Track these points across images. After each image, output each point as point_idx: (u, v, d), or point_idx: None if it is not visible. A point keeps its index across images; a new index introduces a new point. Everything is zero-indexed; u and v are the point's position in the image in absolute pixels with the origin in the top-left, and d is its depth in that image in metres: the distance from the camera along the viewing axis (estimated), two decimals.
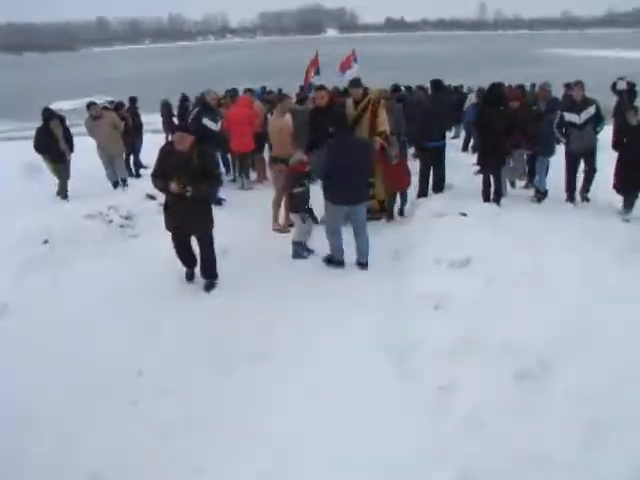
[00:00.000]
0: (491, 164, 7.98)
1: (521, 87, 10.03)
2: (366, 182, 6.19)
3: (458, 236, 5.92)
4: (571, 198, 8.13)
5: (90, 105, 10.07)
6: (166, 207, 5.59)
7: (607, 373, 3.46)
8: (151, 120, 15.34)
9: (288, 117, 7.73)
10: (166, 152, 5.45)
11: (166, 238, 5.71)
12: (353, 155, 5.71)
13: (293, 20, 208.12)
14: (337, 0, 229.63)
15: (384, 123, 7.37)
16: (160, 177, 5.38)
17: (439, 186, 8.54)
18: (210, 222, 5.62)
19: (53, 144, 9.39)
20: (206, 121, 8.53)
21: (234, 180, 10.42)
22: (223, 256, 6.08)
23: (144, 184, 8.42)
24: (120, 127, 10.32)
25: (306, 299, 5.21)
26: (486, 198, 7.95)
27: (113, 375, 4.07)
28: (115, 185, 10.17)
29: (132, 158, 11.81)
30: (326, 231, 6.07)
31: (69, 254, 6.28)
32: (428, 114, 8.64)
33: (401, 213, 7.97)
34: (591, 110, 7.72)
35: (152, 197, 8.28)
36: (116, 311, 5.05)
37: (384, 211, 7.83)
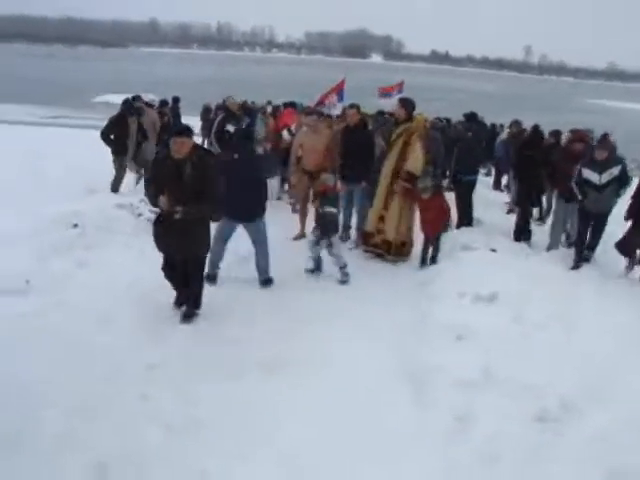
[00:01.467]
0: (525, 204, 7.93)
1: (557, 132, 9.84)
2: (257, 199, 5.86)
3: (485, 271, 5.83)
4: (579, 257, 6.91)
5: (134, 98, 10.01)
6: (156, 223, 4.86)
7: (630, 421, 3.37)
8: (189, 123, 15.54)
9: (325, 134, 7.66)
10: (160, 159, 4.80)
11: None
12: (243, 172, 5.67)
13: (338, 42, 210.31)
14: (384, 27, 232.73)
15: (415, 162, 6.66)
16: (152, 187, 4.70)
17: (467, 220, 8.47)
18: (204, 245, 4.91)
19: (121, 137, 8.91)
20: (229, 127, 8.62)
21: None
22: (241, 263, 6.09)
23: None
24: (157, 126, 10.27)
25: (324, 315, 5.15)
26: (517, 237, 7.85)
27: (125, 365, 4.05)
28: (138, 181, 9.91)
29: None
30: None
31: (96, 241, 6.35)
32: (464, 147, 8.70)
33: (433, 260, 6.78)
34: (615, 171, 6.61)
35: None
36: (134, 303, 5.05)
37: (399, 252, 6.89)
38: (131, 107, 9.25)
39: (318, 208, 6.25)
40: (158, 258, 5.74)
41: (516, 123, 11.04)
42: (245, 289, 5.77)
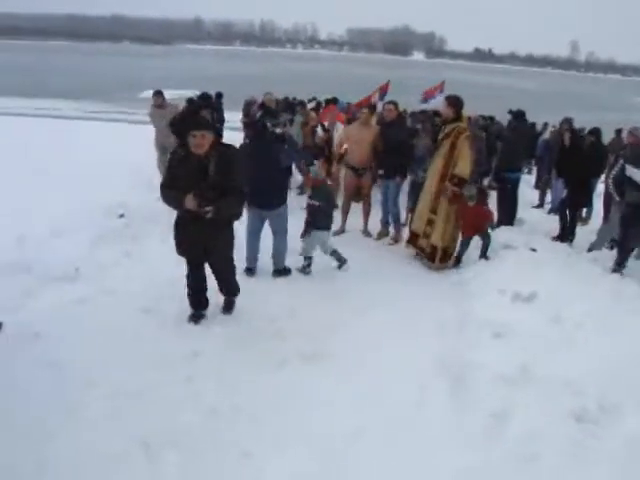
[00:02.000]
0: (570, 204, 7.82)
1: (597, 131, 9.50)
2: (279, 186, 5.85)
3: (525, 270, 5.80)
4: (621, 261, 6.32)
5: (155, 94, 9.81)
6: (177, 225, 4.55)
7: None
8: (230, 118, 15.73)
9: (375, 129, 7.64)
10: (178, 157, 4.38)
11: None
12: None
13: (380, 39, 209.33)
14: (427, 24, 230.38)
15: (465, 167, 6.30)
16: (172, 189, 4.30)
17: (510, 219, 8.39)
18: (229, 244, 4.66)
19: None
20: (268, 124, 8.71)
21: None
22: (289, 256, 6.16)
23: None
24: None
25: (365, 307, 5.21)
26: (559, 236, 7.74)
27: (170, 351, 4.18)
28: None
29: None
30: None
31: (142, 231, 6.57)
32: (507, 144, 8.67)
33: (483, 255, 6.62)
34: None
35: None
36: (177, 293, 5.08)
37: (442, 259, 6.65)
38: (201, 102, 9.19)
39: (308, 200, 6.19)
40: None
41: (567, 121, 10.53)
42: (285, 281, 5.88)
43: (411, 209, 7.49)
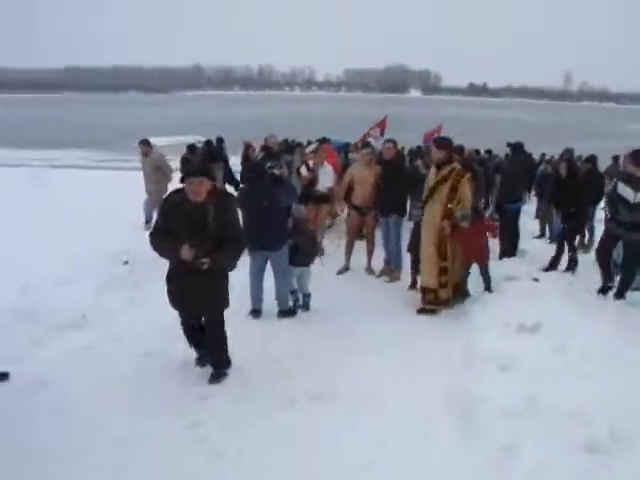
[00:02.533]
0: (566, 234, 7.84)
1: (593, 158, 9.70)
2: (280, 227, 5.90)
3: (529, 301, 5.81)
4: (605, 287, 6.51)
5: (140, 142, 10.07)
6: (169, 278, 4.33)
7: None
8: (231, 162, 15.94)
9: (377, 169, 7.64)
10: (173, 203, 4.11)
11: (237, 275, 5.98)
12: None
13: (377, 78, 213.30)
14: (422, 62, 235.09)
15: (466, 207, 6.06)
16: (165, 237, 4.09)
17: (511, 249, 8.43)
18: (224, 300, 4.42)
19: None
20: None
21: None
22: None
23: None
24: (164, 168, 9.99)
25: (371, 345, 5.21)
26: (551, 265, 7.72)
27: (175, 395, 4.20)
28: (146, 222, 9.70)
29: None
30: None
31: (144, 277, 6.61)
32: (506, 175, 8.81)
33: (487, 289, 6.50)
34: None
35: None
36: (180, 339, 5.08)
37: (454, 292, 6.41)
38: (213, 153, 9.49)
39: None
40: None
41: (568, 152, 10.47)
42: (290, 321, 5.90)
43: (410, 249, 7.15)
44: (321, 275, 6.76)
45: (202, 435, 3.73)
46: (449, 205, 6.05)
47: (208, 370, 4.62)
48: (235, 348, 4.69)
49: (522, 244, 8.88)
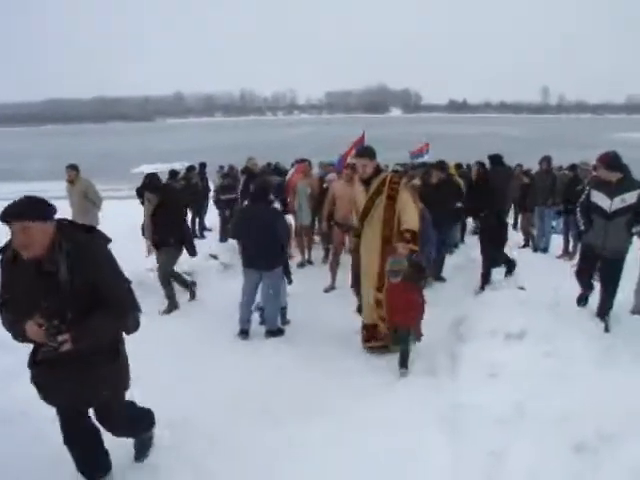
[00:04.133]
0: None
1: (574, 167, 9.93)
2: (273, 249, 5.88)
3: (514, 309, 5.87)
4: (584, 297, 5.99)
5: (68, 167, 9.09)
6: (32, 363, 2.96)
7: None
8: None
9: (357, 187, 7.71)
10: (9, 261, 2.81)
11: (224, 297, 6.03)
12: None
13: (358, 99, 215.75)
14: (401, 81, 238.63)
15: (412, 217, 5.15)
16: (10, 310, 2.83)
17: (496, 260, 8.48)
18: (121, 382, 3.14)
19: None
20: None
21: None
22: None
23: (207, 246, 9.60)
24: (92, 197, 9.05)
25: (355, 358, 5.28)
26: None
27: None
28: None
29: (197, 220, 12.39)
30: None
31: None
32: (484, 188, 8.90)
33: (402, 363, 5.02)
34: (629, 197, 5.19)
35: (214, 257, 8.88)
36: (166, 358, 5.17)
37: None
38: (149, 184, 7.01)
39: None
40: (193, 317, 5.93)
41: (545, 159, 10.29)
42: (277, 340, 5.94)
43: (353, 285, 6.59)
44: (306, 294, 6.82)
45: (184, 455, 3.68)
46: (390, 227, 5.25)
47: (190, 389, 4.55)
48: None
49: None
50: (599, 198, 5.37)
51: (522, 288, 6.76)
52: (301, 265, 9.21)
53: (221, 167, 13.70)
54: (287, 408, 4.33)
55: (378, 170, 5.45)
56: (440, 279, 8.21)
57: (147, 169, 31.90)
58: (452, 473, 3.39)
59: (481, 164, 9.73)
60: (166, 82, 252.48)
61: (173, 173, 11.43)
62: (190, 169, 12.58)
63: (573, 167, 9.98)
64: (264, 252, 5.83)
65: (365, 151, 5.46)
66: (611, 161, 5.35)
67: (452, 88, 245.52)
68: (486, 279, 7.47)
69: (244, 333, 6.01)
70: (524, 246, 10.82)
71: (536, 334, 5.18)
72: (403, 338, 5.04)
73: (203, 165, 13.52)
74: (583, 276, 5.89)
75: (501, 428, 3.68)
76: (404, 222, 5.10)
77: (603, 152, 5.57)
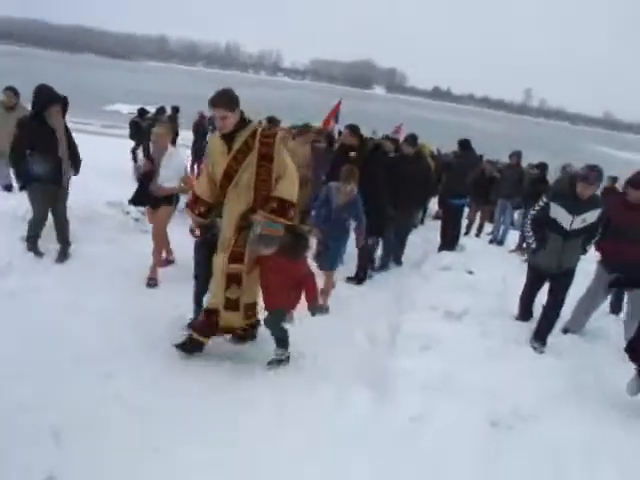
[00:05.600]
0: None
1: (543, 165, 10.09)
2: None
3: (459, 290, 6.01)
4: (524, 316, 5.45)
5: (8, 89, 7.93)
6: None
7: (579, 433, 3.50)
8: (185, 136, 15.38)
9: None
10: None
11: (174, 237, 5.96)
12: None
13: (343, 71, 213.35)
14: (389, 60, 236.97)
15: (288, 186, 4.06)
16: None
17: (452, 244, 8.61)
18: None
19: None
20: None
21: None
22: None
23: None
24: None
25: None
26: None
27: (81, 372, 3.82)
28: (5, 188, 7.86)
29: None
30: None
31: (81, 232, 6.45)
32: (452, 171, 9.00)
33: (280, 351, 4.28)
34: (590, 217, 4.71)
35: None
36: (105, 299, 5.00)
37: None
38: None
39: None
40: (137, 256, 5.88)
41: (515, 154, 10.39)
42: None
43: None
44: None
45: (115, 385, 3.67)
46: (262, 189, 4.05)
47: (118, 342, 4.42)
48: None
49: (462, 240, 9.08)
50: (560, 214, 4.76)
51: (471, 272, 6.88)
52: None
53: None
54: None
55: (243, 121, 4.10)
56: (399, 263, 7.85)
57: (122, 108, 31.06)
58: (373, 433, 3.44)
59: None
60: (152, 23, 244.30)
61: (142, 111, 11.15)
62: (160, 111, 12.27)
63: (541, 166, 10.10)
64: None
65: (221, 98, 3.98)
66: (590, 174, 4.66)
67: (438, 75, 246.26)
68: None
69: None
70: (477, 234, 11.04)
71: (475, 315, 5.33)
72: (276, 320, 4.22)
73: (176, 109, 13.23)
74: (525, 301, 5.47)
75: (425, 395, 3.77)
76: (275, 189, 4.03)
77: (635, 172, 5.13)
